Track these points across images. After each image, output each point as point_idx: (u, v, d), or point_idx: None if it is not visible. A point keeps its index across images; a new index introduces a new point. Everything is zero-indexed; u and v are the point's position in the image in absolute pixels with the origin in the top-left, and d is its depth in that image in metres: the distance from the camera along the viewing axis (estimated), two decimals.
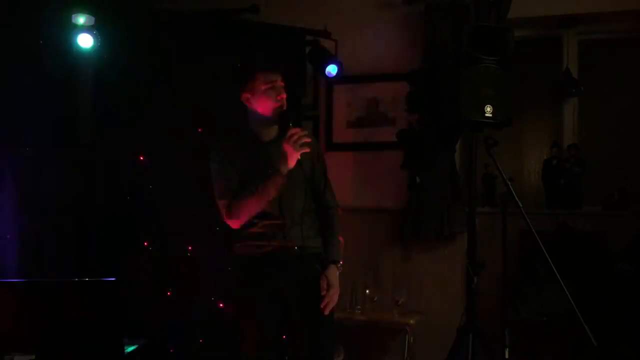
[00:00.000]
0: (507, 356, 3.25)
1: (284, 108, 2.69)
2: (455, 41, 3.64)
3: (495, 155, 3.18)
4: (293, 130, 2.55)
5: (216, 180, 2.74)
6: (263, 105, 2.72)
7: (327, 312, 2.64)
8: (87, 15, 3.75)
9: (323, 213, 2.85)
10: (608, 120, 4.48)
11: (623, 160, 4.35)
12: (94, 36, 3.80)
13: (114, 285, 2.78)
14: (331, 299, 2.66)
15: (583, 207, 4.23)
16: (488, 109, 3.47)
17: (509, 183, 3.02)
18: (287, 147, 2.54)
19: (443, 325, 4.08)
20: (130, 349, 3.47)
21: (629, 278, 3.63)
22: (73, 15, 3.73)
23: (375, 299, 4.12)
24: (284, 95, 2.71)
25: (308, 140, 2.56)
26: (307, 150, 2.56)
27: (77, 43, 3.77)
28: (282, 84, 2.73)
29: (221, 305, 3.90)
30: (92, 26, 3.78)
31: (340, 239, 2.83)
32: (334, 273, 2.71)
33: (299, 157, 2.57)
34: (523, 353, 3.69)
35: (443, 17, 4.22)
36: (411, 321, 3.96)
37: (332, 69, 4.15)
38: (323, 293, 2.64)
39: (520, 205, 2.93)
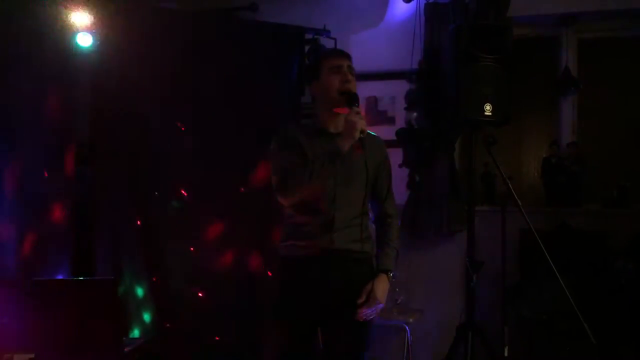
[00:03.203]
0: (506, 354, 3.26)
1: (352, 92, 2.53)
2: (454, 39, 3.63)
3: (495, 153, 3.18)
4: (358, 109, 2.45)
5: (272, 158, 2.59)
6: (328, 90, 2.56)
7: (359, 318, 2.49)
8: (86, 15, 3.75)
9: (382, 221, 2.71)
10: (607, 118, 4.48)
11: (622, 159, 4.35)
12: (93, 35, 3.81)
13: (113, 283, 2.79)
14: (369, 308, 2.49)
15: (582, 206, 4.23)
16: (487, 107, 3.47)
17: (509, 181, 3.02)
18: (350, 121, 2.41)
19: (442, 323, 4.09)
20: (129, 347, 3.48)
21: (628, 276, 3.63)
22: (72, 15, 3.74)
23: None
24: (351, 79, 2.55)
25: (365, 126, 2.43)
26: (366, 130, 2.42)
27: (76, 42, 3.78)
28: (351, 68, 2.58)
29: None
30: (91, 25, 3.79)
31: (396, 250, 2.67)
32: (381, 283, 2.54)
33: (361, 137, 2.41)
34: (522, 351, 3.69)
35: (442, 15, 4.22)
36: (410, 320, 3.96)
37: None
38: (361, 301, 2.49)
39: (520, 204, 2.94)
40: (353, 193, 2.58)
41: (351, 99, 2.50)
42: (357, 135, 2.41)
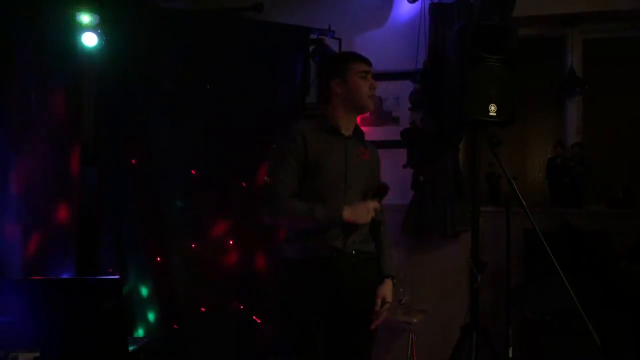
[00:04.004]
0: (510, 355, 3.25)
1: (372, 100, 2.65)
2: (459, 40, 3.63)
3: (499, 154, 3.17)
4: (375, 205, 2.52)
5: (274, 156, 2.60)
6: (355, 93, 2.63)
7: (373, 327, 2.58)
8: (91, 14, 3.76)
9: (375, 227, 2.73)
10: (612, 119, 4.47)
11: (627, 159, 4.35)
12: (98, 35, 3.82)
13: (118, 283, 2.79)
14: (383, 315, 2.61)
15: (587, 206, 4.22)
16: (492, 107, 3.47)
17: (513, 182, 3.01)
18: (360, 214, 2.49)
19: (446, 324, 4.08)
20: (133, 347, 3.48)
21: (632, 277, 3.62)
22: (77, 14, 3.75)
23: None
24: (374, 86, 2.66)
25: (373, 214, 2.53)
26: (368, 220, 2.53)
27: (81, 42, 3.79)
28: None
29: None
30: (96, 25, 3.80)
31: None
32: (389, 288, 2.66)
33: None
34: (526, 352, 3.69)
35: (447, 15, 4.22)
36: (414, 320, 3.95)
37: None
38: (377, 309, 2.58)
39: (524, 204, 2.93)
40: (361, 195, 2.61)
41: (382, 192, 2.57)
42: (356, 220, 2.49)
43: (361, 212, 2.49)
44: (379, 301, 2.58)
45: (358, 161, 2.64)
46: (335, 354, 2.58)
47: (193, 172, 4.03)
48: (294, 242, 2.59)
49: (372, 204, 2.52)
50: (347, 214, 2.47)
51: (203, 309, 3.97)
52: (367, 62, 2.69)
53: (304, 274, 2.55)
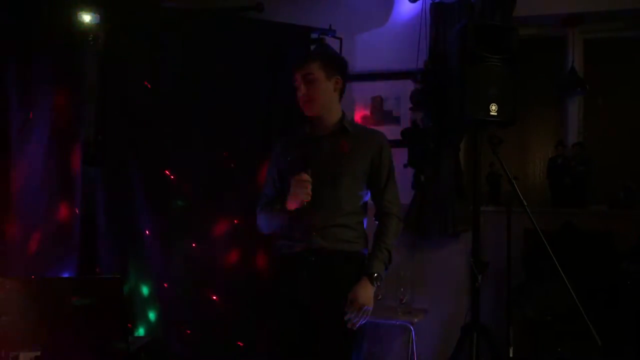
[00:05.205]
0: (511, 355, 3.26)
1: (307, 104, 2.61)
2: (459, 39, 3.63)
3: (500, 153, 3.17)
4: (303, 177, 2.48)
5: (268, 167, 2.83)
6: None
7: (349, 327, 2.46)
8: (92, 14, 3.76)
9: (379, 218, 2.67)
10: (613, 119, 4.46)
11: (629, 159, 4.34)
12: (99, 34, 3.82)
13: (119, 282, 2.79)
14: (355, 315, 2.46)
15: (588, 206, 4.21)
16: (493, 107, 3.47)
17: (514, 182, 3.01)
18: (294, 193, 2.51)
19: (447, 323, 4.08)
20: (134, 346, 3.48)
21: (634, 277, 3.62)
22: (79, 13, 3.75)
23: (379, 298, 4.09)
24: (300, 92, 2.62)
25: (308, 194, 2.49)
26: (308, 200, 2.50)
27: (82, 41, 3.79)
28: (309, 76, 2.60)
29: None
30: (97, 25, 3.80)
31: (388, 251, 2.59)
32: (362, 287, 2.48)
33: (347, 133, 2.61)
34: (527, 352, 3.69)
35: (448, 14, 4.22)
36: (415, 320, 3.95)
37: None
38: (345, 309, 2.46)
39: (525, 204, 2.93)
40: (339, 193, 2.58)
41: (306, 163, 2.55)
42: (293, 205, 2.53)
43: (292, 191, 2.51)
44: (348, 300, 2.47)
45: (335, 155, 2.61)
46: (311, 352, 2.55)
47: (193, 171, 4.03)
48: (278, 239, 2.67)
49: (296, 177, 2.49)
50: (287, 199, 2.54)
51: (203, 308, 3.96)
52: (294, 69, 2.64)
53: (281, 270, 2.65)
